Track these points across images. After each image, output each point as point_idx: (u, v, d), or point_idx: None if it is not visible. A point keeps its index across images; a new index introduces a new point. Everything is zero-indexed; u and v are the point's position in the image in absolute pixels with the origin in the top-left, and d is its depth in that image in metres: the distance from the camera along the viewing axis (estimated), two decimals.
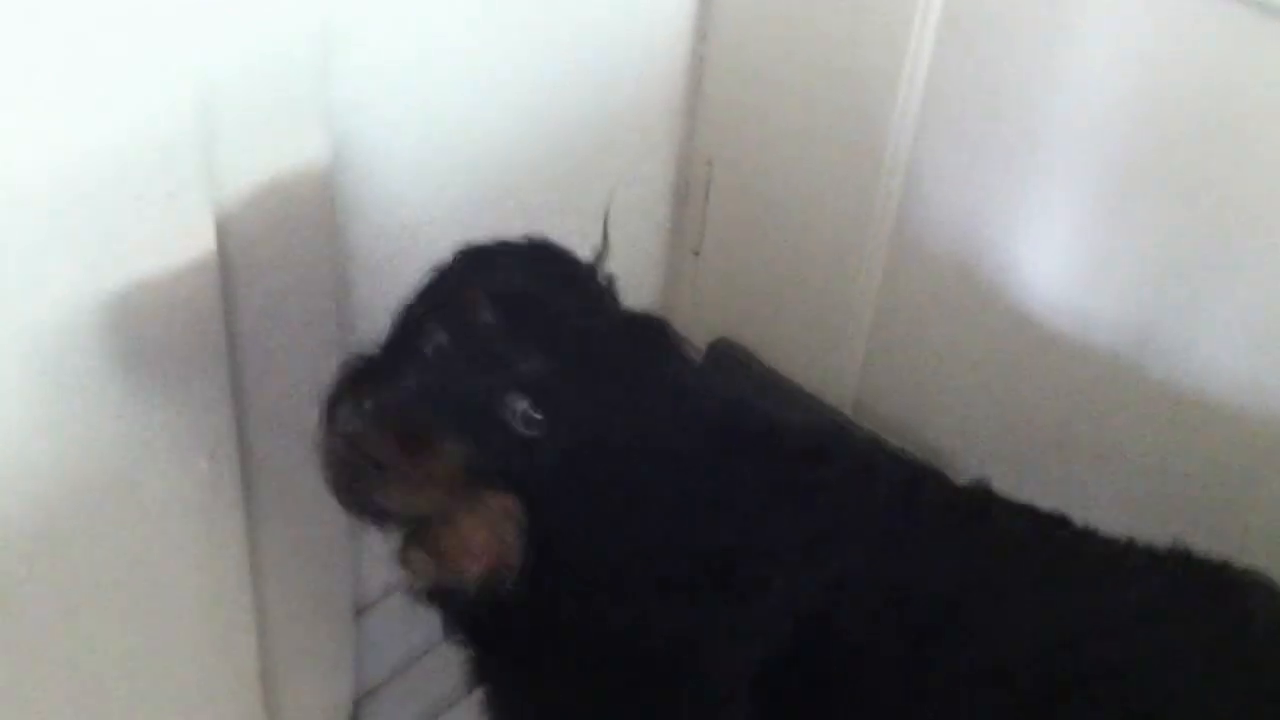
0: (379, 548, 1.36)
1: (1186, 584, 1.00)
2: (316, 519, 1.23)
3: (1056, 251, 1.29)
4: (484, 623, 1.03)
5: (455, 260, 1.01)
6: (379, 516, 0.94)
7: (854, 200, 1.42)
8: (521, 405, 0.90)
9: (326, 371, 1.13)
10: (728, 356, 1.56)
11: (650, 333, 0.98)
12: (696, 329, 1.61)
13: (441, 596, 1.02)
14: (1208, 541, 1.05)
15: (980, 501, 1.05)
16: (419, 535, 0.95)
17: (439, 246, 1.26)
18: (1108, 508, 1.31)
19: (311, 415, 1.14)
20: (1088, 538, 1.03)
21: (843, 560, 0.98)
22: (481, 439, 0.89)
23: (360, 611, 1.41)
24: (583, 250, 1.49)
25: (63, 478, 0.96)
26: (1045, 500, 1.36)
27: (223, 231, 0.98)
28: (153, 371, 0.97)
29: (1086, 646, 0.95)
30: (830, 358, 1.51)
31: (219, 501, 1.08)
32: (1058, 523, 1.04)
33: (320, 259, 1.09)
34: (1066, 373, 1.33)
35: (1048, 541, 1.02)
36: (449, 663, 1.46)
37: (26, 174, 0.83)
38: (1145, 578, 1.00)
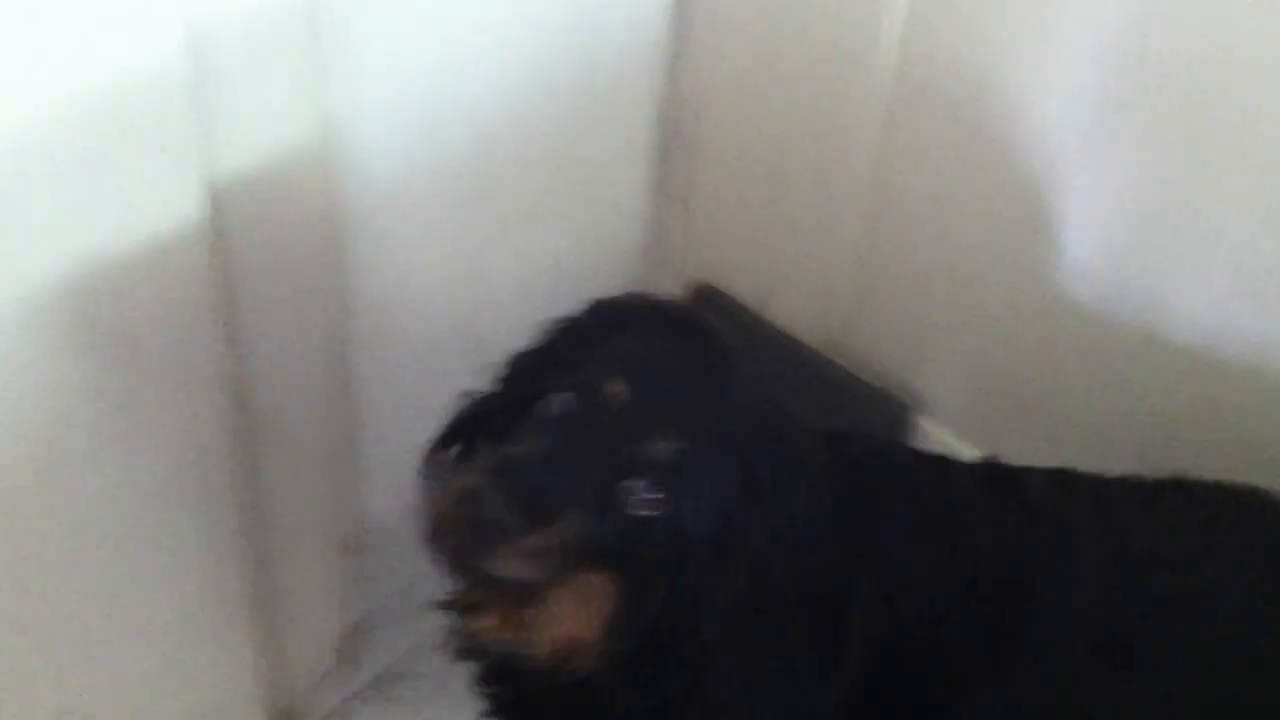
0: (372, 482, 1.42)
1: (1218, 510, 1.05)
2: (314, 460, 1.26)
3: (1030, 196, 1.30)
4: (526, 692, 1.02)
5: (588, 315, 1.00)
6: (472, 575, 0.92)
7: (835, 147, 1.44)
8: (641, 487, 0.88)
9: (322, 314, 1.17)
10: (714, 301, 1.59)
11: (778, 422, 0.96)
12: (683, 276, 1.64)
13: (487, 658, 1.03)
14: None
15: (1003, 475, 1.08)
16: (495, 600, 0.94)
17: (429, 195, 1.30)
18: (1085, 449, 1.34)
19: (307, 357, 1.18)
20: (1102, 483, 1.08)
21: (911, 584, 1.00)
22: (601, 516, 0.88)
23: (354, 544, 1.42)
24: (572, 207, 1.52)
25: (56, 412, 0.97)
26: (1023, 441, 1.41)
27: (215, 185, 0.99)
28: (144, 317, 0.99)
29: (1150, 585, 1.00)
30: (814, 303, 1.54)
31: (212, 439, 1.10)
32: (1070, 474, 1.08)
33: (314, 208, 1.11)
34: (1045, 316, 1.35)
35: (1076, 495, 1.06)
36: (424, 603, 1.52)
37: (12, 121, 0.84)
38: (1179, 507, 1.05)
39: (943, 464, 1.11)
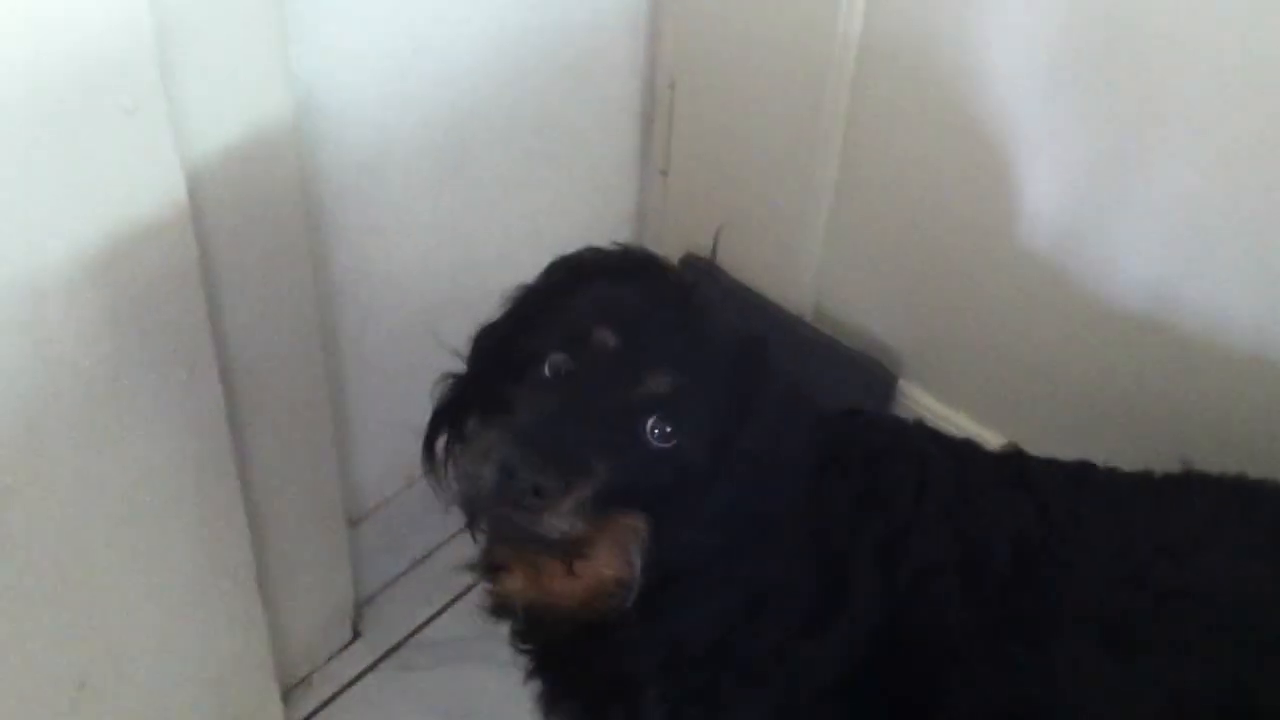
0: (373, 462, 1.46)
1: (1227, 502, 1.06)
2: (301, 429, 1.28)
3: (1000, 157, 1.31)
4: (557, 643, 1.06)
5: (546, 278, 1.03)
6: (525, 543, 0.95)
7: (807, 116, 1.45)
8: (654, 420, 0.92)
9: (300, 283, 1.18)
10: (697, 270, 1.60)
11: (754, 348, 0.99)
12: (667, 245, 1.65)
13: (517, 615, 1.05)
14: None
15: (1019, 463, 1.10)
16: (525, 559, 0.98)
17: (407, 166, 1.31)
18: (1053, 412, 1.38)
19: (288, 327, 1.19)
20: (1115, 477, 1.09)
21: (912, 553, 1.02)
22: (624, 458, 0.91)
23: (356, 521, 1.47)
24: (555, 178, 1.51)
25: (46, 393, 0.99)
26: (990, 403, 1.43)
27: (186, 147, 1.00)
28: (128, 291, 1.00)
29: (1158, 576, 1.00)
30: (790, 268, 1.56)
31: (203, 413, 1.12)
32: (1087, 467, 1.09)
33: (287, 174, 1.12)
34: (1011, 280, 1.36)
35: (1088, 487, 1.07)
36: (445, 568, 1.53)
37: None
38: (1188, 501, 1.06)
39: (961, 446, 1.12)
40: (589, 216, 1.61)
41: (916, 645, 1.01)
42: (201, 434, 1.14)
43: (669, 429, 0.92)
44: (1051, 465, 1.10)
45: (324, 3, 1.14)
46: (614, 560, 0.95)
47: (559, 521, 0.89)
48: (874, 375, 1.50)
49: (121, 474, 1.09)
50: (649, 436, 0.92)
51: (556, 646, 1.07)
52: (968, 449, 1.12)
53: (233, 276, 1.12)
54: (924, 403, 1.50)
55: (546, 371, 0.95)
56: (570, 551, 0.94)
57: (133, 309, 1.02)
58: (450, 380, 1.05)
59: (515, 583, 1.01)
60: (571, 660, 1.07)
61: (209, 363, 1.11)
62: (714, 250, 1.17)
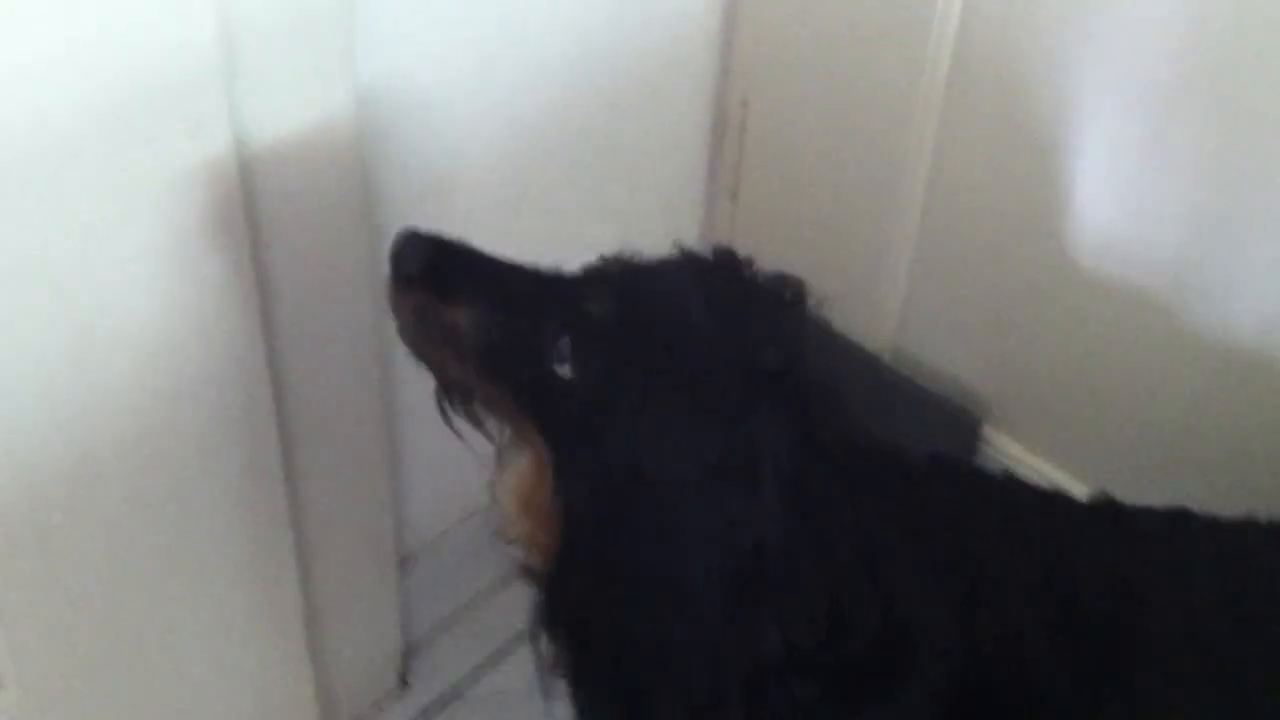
0: (422, 498, 1.43)
1: None
2: (356, 464, 1.25)
3: (1097, 190, 1.28)
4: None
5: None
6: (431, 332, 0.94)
7: (891, 139, 1.41)
8: (564, 344, 0.87)
9: (360, 315, 1.15)
10: None
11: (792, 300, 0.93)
12: None
13: (534, 576, 0.98)
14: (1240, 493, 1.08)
15: (1113, 512, 1.04)
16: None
17: (473, 192, 1.28)
18: (1145, 459, 1.33)
19: (347, 359, 1.16)
20: (1217, 524, 1.03)
21: (998, 614, 0.95)
22: (534, 368, 0.88)
23: (405, 561, 1.43)
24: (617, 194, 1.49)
25: (95, 424, 0.97)
26: (1080, 450, 1.38)
27: (247, 172, 0.98)
28: (184, 316, 0.98)
29: (1273, 627, 0.95)
30: (869, 302, 1.51)
31: (256, 450, 1.10)
32: (1183, 516, 1.03)
33: (350, 202, 1.10)
34: (1107, 318, 1.32)
35: (1188, 534, 1.02)
36: (497, 614, 1.51)
37: (46, 104, 0.83)
38: None
39: (1052, 499, 1.06)
40: (655, 240, 1.56)
41: (1002, 712, 0.95)
42: (255, 473, 1.11)
43: (572, 356, 0.86)
44: (1147, 514, 1.04)
45: (391, 25, 1.12)
46: (530, 462, 0.92)
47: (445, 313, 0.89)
48: (956, 420, 1.45)
49: (170, 514, 1.07)
50: (554, 353, 0.87)
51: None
52: (1059, 502, 1.06)
53: (291, 306, 1.09)
54: (1009, 449, 1.45)
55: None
56: (475, 390, 0.93)
57: (188, 339, 1.00)
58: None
59: (506, 492, 0.96)
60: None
61: (265, 398, 1.08)
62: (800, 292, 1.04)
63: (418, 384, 1.33)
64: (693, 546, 0.85)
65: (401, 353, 1.29)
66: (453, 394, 0.96)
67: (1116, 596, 0.96)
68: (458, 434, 0.97)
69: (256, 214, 1.01)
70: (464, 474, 1.42)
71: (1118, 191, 1.27)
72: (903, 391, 1.48)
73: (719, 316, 0.89)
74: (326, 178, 1.06)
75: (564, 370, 0.87)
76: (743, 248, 1.62)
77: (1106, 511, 1.05)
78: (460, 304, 0.92)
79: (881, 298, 1.50)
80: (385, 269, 1.23)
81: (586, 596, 0.90)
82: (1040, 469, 1.43)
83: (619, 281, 0.92)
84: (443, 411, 0.97)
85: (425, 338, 0.94)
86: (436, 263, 0.93)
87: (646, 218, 1.55)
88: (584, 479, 0.88)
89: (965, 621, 0.94)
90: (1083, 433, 1.40)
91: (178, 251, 0.95)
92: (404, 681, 1.47)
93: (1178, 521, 1.03)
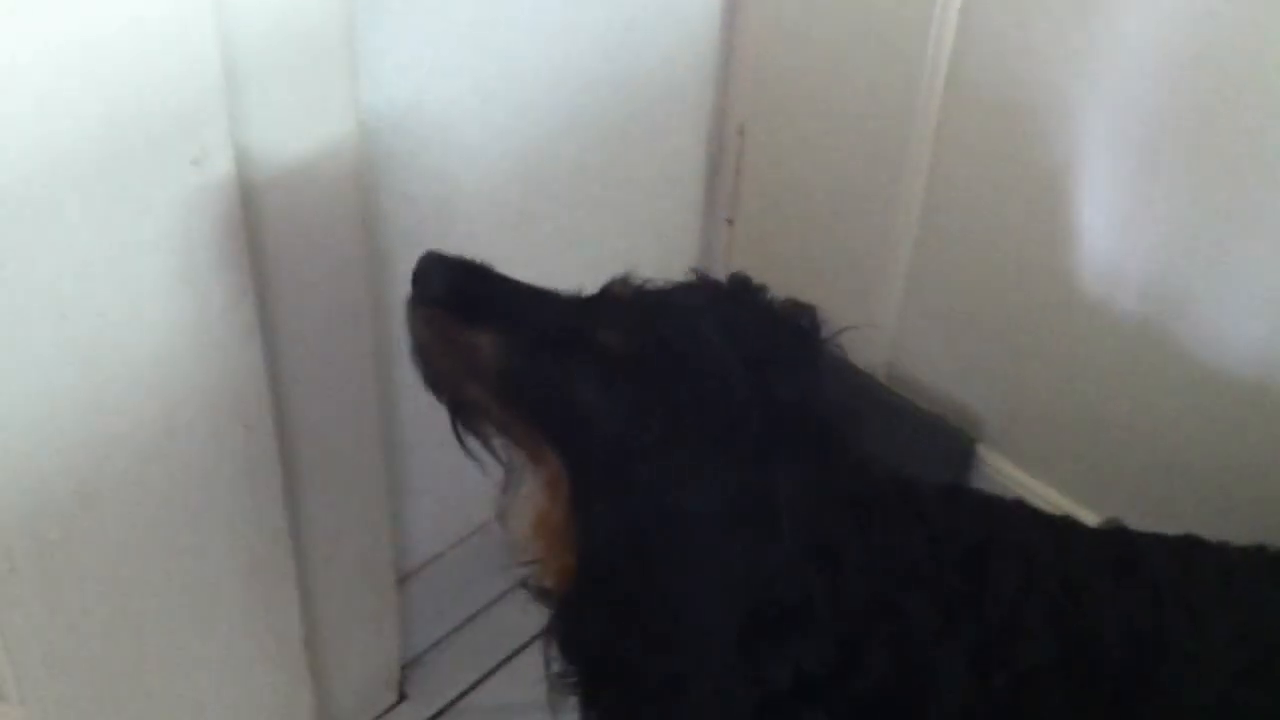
0: (422, 517, 1.44)
1: None
2: (356, 483, 1.26)
3: (1091, 215, 1.29)
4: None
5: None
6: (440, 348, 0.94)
7: (886, 165, 1.42)
8: (587, 371, 0.87)
9: (361, 339, 1.17)
10: None
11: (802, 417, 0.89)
12: None
13: (546, 596, 0.99)
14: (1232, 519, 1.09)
15: (1125, 545, 1.03)
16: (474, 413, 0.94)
17: (471, 218, 1.29)
18: (1139, 481, 1.34)
19: (347, 380, 1.18)
20: (1228, 555, 1.03)
21: (1011, 656, 0.94)
22: (552, 389, 0.88)
23: (404, 579, 1.44)
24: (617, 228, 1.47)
25: (97, 445, 0.97)
26: (1075, 471, 1.39)
27: (249, 198, 0.99)
28: (185, 340, 0.99)
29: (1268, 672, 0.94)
30: (864, 324, 1.43)
31: (257, 468, 1.11)
32: (1195, 545, 1.04)
33: (351, 226, 1.11)
34: (1101, 339, 1.33)
35: (1201, 570, 1.01)
36: (496, 629, 1.52)
37: (49, 132, 0.83)
38: None
39: (1062, 527, 1.05)
40: (652, 266, 1.56)
41: None
42: (255, 491, 1.12)
43: (596, 385, 0.87)
44: (1157, 542, 1.04)
45: (392, 53, 1.13)
46: (543, 487, 0.91)
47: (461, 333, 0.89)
48: (951, 441, 1.47)
49: (171, 531, 1.07)
50: (576, 382, 0.88)
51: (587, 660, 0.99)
52: (1069, 530, 1.05)
53: (292, 329, 1.10)
54: (1005, 471, 1.46)
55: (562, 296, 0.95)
56: (468, 418, 0.93)
57: (190, 363, 1.01)
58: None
59: (519, 514, 0.96)
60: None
61: (266, 419, 1.09)
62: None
63: (418, 405, 1.33)
64: (710, 581, 0.87)
65: (402, 374, 1.31)
66: (465, 415, 0.96)
67: (1129, 639, 0.96)
68: (472, 455, 0.98)
69: (259, 239, 1.02)
70: (463, 493, 1.45)
71: (1112, 216, 1.28)
72: (897, 412, 1.49)
73: (738, 346, 0.88)
74: (328, 202, 1.07)
75: (586, 399, 0.88)
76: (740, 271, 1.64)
77: (1118, 542, 1.04)
78: (483, 327, 0.91)
79: (876, 318, 1.51)
80: (404, 289, 1.24)
81: (601, 622, 0.91)
82: (1035, 490, 1.44)
83: (640, 309, 0.92)
84: (457, 433, 0.98)
85: (443, 359, 0.94)
86: (459, 285, 0.93)
87: (644, 244, 1.56)
88: (602, 505, 0.88)
89: (979, 662, 0.94)
90: (1077, 453, 1.41)
91: (180, 277, 0.96)
92: (403, 696, 1.48)
93: (1189, 553, 1.03)
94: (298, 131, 1.02)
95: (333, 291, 1.13)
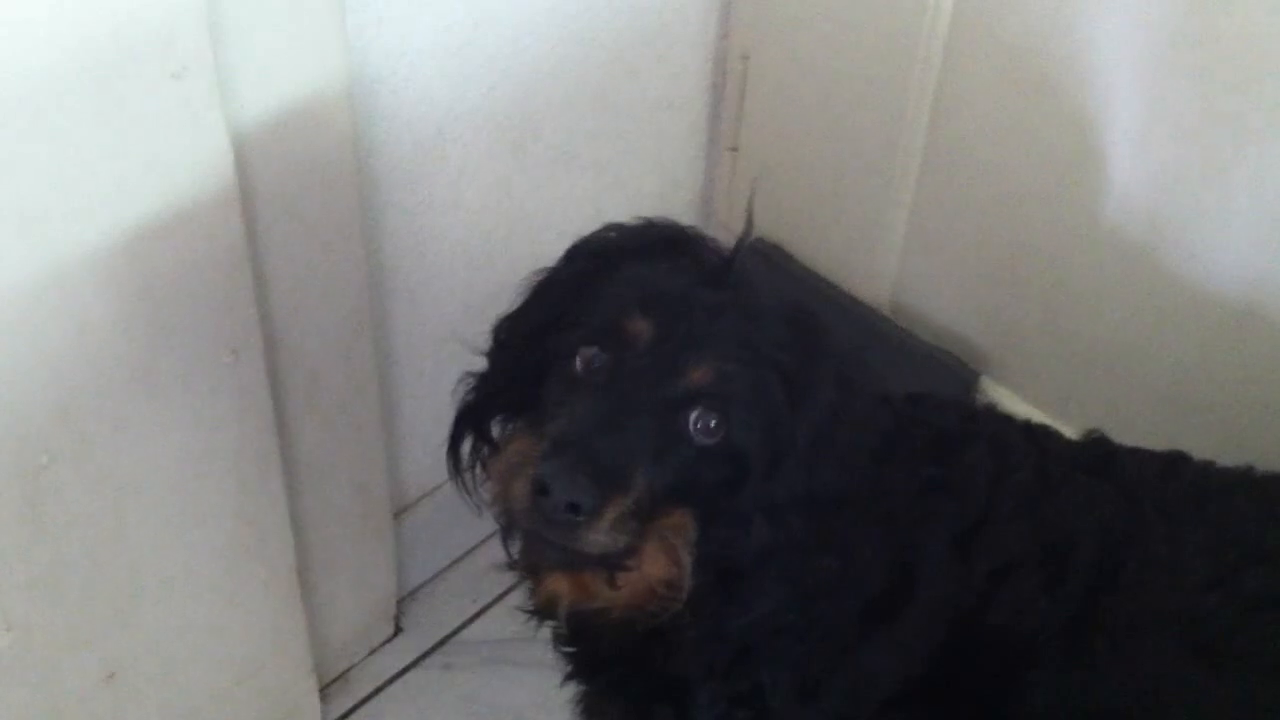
0: (419, 450, 1.45)
1: None
2: (349, 415, 1.27)
3: (1098, 144, 1.29)
4: (601, 647, 1.03)
5: (573, 261, 0.99)
6: (563, 563, 0.92)
7: (891, 92, 1.42)
8: (698, 414, 0.89)
9: (352, 265, 1.17)
10: (765, 256, 1.58)
11: (806, 323, 0.95)
12: (734, 227, 1.59)
13: (559, 617, 1.02)
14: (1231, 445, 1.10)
15: (1104, 452, 1.07)
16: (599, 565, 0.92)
17: (467, 148, 1.30)
18: (1132, 405, 1.35)
19: (338, 309, 1.18)
20: (1210, 472, 1.06)
21: (990, 547, 0.99)
22: (665, 459, 0.88)
23: (400, 512, 1.46)
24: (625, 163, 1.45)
25: (81, 373, 0.98)
26: (1079, 403, 1.40)
27: (235, 118, 0.99)
28: (170, 267, 1.00)
29: (1256, 578, 0.97)
30: (867, 255, 1.53)
31: (247, 398, 1.11)
32: (1179, 459, 1.06)
33: (342, 157, 1.11)
34: (1106, 270, 1.33)
35: (1179, 481, 1.04)
36: (492, 564, 1.55)
37: (24, 65, 0.84)
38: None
39: (1039, 432, 1.09)
40: (653, 195, 1.59)
41: (991, 647, 0.99)
42: (244, 420, 1.13)
43: (714, 422, 0.89)
44: (1140, 455, 1.07)
45: None
46: (661, 564, 0.92)
47: (598, 537, 0.86)
48: (954, 372, 1.48)
49: (159, 459, 1.08)
50: (693, 432, 0.89)
51: (602, 648, 1.04)
52: (1046, 435, 1.09)
53: (281, 254, 1.10)
54: (1007, 401, 1.46)
55: (577, 367, 0.91)
56: (613, 564, 0.91)
57: (174, 287, 1.01)
58: (472, 379, 1.02)
59: (558, 584, 0.98)
60: (617, 662, 1.05)
61: (255, 346, 1.10)
62: None
63: (411, 335, 1.36)
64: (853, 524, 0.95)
65: (394, 303, 1.32)
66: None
67: (1101, 537, 1.00)
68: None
69: (246, 159, 1.02)
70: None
71: (1122, 139, 1.27)
72: (900, 345, 1.50)
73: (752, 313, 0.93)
74: (317, 125, 1.08)
75: (708, 436, 0.90)
76: (742, 201, 1.64)
77: (1098, 450, 1.08)
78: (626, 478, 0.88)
79: (880, 251, 1.52)
80: (399, 215, 1.24)
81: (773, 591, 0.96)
82: (1040, 420, 1.44)
83: (664, 317, 0.92)
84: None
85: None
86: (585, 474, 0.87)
87: (645, 172, 1.56)
88: (743, 522, 0.92)
89: (960, 548, 0.99)
90: (1083, 385, 1.41)
91: (163, 196, 0.97)
92: (399, 629, 1.50)
93: (1170, 465, 1.06)
94: (284, 53, 1.02)
95: (322, 215, 1.13)
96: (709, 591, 0.94)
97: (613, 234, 0.99)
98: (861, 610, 0.99)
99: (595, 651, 1.06)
